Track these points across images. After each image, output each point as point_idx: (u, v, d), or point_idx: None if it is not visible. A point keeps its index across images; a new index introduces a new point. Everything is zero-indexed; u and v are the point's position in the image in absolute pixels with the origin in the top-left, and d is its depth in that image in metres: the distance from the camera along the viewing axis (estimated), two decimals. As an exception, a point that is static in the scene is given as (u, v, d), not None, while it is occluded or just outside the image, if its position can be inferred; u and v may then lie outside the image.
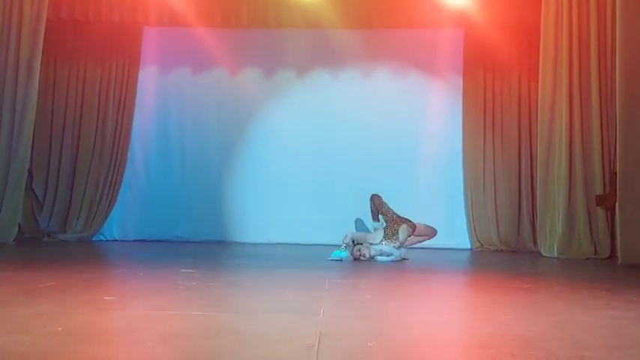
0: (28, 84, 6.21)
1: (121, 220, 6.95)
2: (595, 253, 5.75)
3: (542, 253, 5.96)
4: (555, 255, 5.78)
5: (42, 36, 6.26)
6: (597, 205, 5.82)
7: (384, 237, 4.95)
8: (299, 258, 5.21)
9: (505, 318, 2.38)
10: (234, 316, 2.28)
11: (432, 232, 5.19)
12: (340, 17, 6.67)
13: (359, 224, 6.81)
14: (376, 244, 4.91)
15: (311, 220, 6.69)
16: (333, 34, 6.88)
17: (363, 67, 7.12)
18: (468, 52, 6.97)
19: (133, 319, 2.17)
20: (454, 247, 6.48)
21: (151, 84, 7.14)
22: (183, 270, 3.76)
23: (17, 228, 6.23)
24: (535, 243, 6.37)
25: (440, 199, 6.71)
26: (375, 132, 6.90)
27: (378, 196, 5.23)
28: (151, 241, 6.75)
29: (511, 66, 6.85)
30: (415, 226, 5.04)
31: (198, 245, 6.35)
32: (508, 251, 6.53)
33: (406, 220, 5.08)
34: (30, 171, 6.64)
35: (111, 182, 6.88)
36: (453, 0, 6.50)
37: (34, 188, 6.88)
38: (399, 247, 4.90)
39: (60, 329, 1.88)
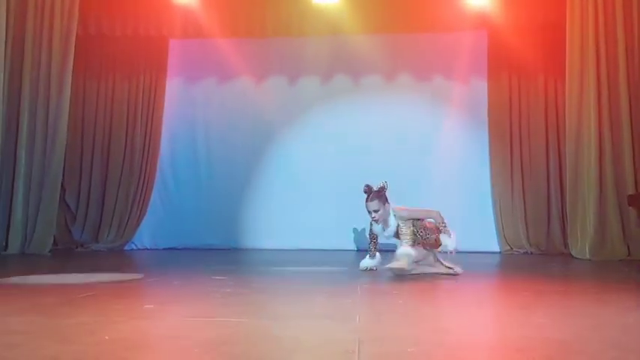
0: (60, 99, 6.35)
1: (152, 229, 7.08)
2: (628, 255, 5.66)
3: (574, 255, 5.89)
4: (587, 257, 5.71)
5: (72, 51, 6.39)
6: (629, 205, 5.74)
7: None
8: (327, 264, 5.23)
9: (540, 321, 2.37)
10: (272, 322, 2.32)
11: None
12: (362, 23, 6.73)
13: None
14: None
15: (337, 227, 6.72)
16: (355, 40, 6.93)
17: (385, 72, 7.13)
18: (491, 55, 6.93)
19: (175, 327, 2.23)
20: (483, 250, 6.43)
21: (178, 95, 7.28)
22: (214, 277, 3.83)
23: (52, 239, 6.40)
24: (566, 245, 6.29)
25: (467, 202, 6.67)
26: (399, 138, 6.90)
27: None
28: (181, 249, 6.87)
29: (536, 67, 6.79)
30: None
31: (226, 252, 6.43)
32: (538, 254, 6.46)
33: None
34: (62, 184, 6.80)
35: (141, 193, 7.02)
36: (475, 2, 6.49)
37: (67, 200, 7.06)
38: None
39: (107, 337, 1.94)
